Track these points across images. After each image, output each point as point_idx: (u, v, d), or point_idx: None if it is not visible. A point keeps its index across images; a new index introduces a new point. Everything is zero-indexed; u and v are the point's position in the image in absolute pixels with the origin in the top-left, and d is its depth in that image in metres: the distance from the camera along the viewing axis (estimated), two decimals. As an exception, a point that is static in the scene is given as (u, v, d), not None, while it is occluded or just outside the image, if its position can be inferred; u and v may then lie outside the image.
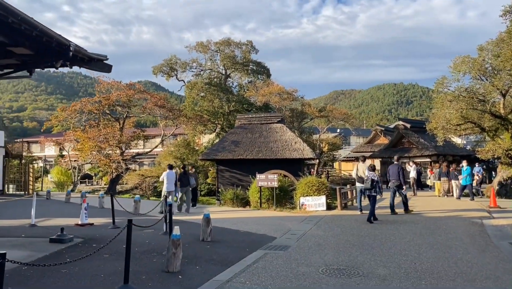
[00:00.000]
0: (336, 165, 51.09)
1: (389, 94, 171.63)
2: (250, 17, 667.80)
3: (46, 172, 46.47)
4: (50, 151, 52.80)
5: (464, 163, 17.36)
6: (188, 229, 9.38)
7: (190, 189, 15.40)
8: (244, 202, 16.03)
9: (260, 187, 15.26)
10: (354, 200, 16.29)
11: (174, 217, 9.48)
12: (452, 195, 18.92)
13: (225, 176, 26.91)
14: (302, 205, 14.02)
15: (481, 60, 23.57)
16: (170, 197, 13.56)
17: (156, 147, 30.85)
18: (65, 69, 9.56)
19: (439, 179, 19.66)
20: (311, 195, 13.94)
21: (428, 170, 24.37)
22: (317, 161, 35.14)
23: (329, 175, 44.38)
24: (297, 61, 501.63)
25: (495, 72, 23.41)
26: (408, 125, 36.14)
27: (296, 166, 26.21)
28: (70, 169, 39.88)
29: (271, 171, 24.14)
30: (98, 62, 8.98)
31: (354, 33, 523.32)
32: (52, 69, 9.16)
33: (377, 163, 45.74)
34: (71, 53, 7.56)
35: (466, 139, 41.40)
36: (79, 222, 10.68)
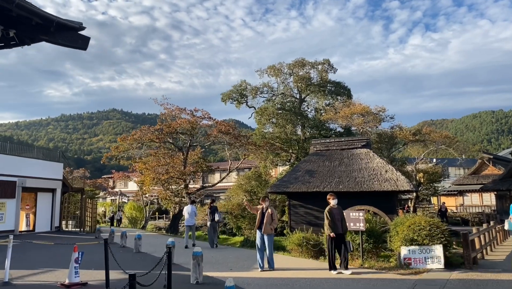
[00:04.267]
0: (434, 200, 43.57)
1: (487, 123, 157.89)
2: (334, 51, 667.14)
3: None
4: (134, 186, 53.08)
5: None
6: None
7: (215, 224, 15.87)
8: (318, 250, 11.58)
9: (339, 229, 10.76)
10: (484, 251, 10.96)
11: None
12: None
13: (299, 212, 22.68)
14: (405, 259, 9.20)
15: None
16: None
17: (222, 179, 27.72)
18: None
19: None
20: (419, 243, 9.10)
21: None
22: (414, 194, 29.08)
23: (428, 211, 37.35)
24: (384, 92, 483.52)
25: None
26: (533, 149, 28.59)
27: (387, 201, 21.11)
28: (146, 205, 38.67)
29: (355, 207, 19.42)
30: (68, 33, 5.74)
31: (445, 60, 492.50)
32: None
33: (487, 197, 37.76)
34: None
35: None
36: (66, 281, 7.27)
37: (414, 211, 28.67)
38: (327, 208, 9.33)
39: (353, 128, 31.51)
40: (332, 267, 8.95)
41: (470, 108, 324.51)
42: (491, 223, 14.99)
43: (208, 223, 15.88)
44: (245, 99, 33.57)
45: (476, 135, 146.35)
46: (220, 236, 27.48)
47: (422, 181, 29.34)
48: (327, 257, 11.11)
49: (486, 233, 11.75)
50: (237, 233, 26.81)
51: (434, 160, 50.25)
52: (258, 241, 9.55)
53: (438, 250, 8.88)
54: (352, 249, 9.23)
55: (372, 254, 10.13)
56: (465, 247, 8.62)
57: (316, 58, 35.85)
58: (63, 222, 23.66)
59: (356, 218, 10.24)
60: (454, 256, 9.21)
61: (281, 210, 26.48)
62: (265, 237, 9.43)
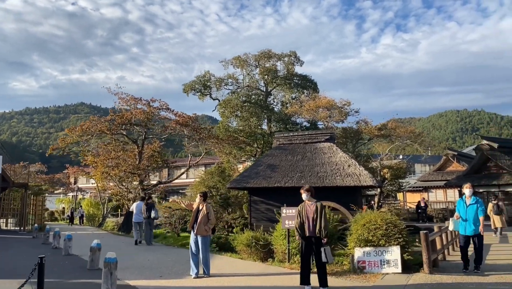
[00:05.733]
0: (400, 196, 43.56)
1: (452, 122, 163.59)
2: (308, 49, 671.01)
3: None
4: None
5: None
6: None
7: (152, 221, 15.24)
8: (267, 251, 10.41)
9: (289, 229, 9.62)
10: (446, 251, 10.09)
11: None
12: None
13: (260, 209, 21.61)
14: (359, 262, 8.14)
15: None
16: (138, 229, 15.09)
17: (181, 175, 26.27)
18: None
19: None
20: (374, 244, 8.07)
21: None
22: (379, 190, 28.53)
23: (394, 208, 37.13)
24: (356, 90, 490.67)
25: None
26: (495, 145, 28.56)
27: (350, 196, 20.24)
28: (108, 201, 36.50)
29: (317, 203, 18.46)
30: None
31: (415, 61, 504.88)
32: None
33: (451, 193, 37.90)
34: None
35: None
36: None
37: (379, 207, 28.16)
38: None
39: (319, 123, 30.67)
40: (302, 280, 6.85)
41: (437, 108, 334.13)
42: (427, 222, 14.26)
43: (144, 220, 15.04)
44: (209, 91, 32.06)
45: (442, 134, 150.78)
46: (181, 234, 26.12)
47: (386, 177, 28.84)
48: (275, 259, 10.01)
49: (448, 231, 10.92)
50: (214, 231, 25.45)
51: (401, 156, 50.50)
52: (191, 244, 8.25)
53: (395, 252, 7.87)
54: (328, 260, 6.68)
55: (324, 256, 9.01)
56: (425, 249, 7.63)
57: (283, 50, 34.54)
58: (3, 220, 21.55)
59: (294, 215, 9.10)
60: (416, 255, 8.22)
61: (240, 206, 25.33)
62: (199, 239, 8.13)
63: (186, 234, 25.51)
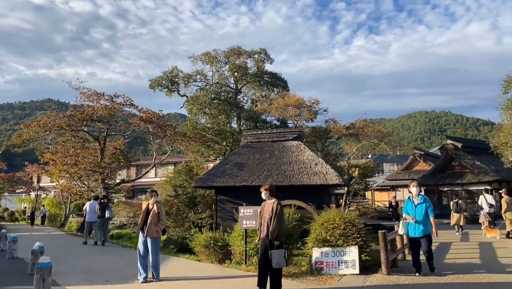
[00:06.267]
0: (368, 194, 44.14)
1: (421, 123, 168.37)
2: (282, 49, 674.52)
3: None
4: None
5: None
6: None
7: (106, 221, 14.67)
8: (226, 252, 9.97)
9: (246, 229, 9.22)
10: (407, 251, 9.96)
11: None
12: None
13: (226, 208, 21.14)
14: (317, 263, 7.84)
15: None
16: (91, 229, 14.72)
17: (145, 173, 25.47)
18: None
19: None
20: (332, 244, 7.79)
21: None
22: (346, 189, 28.64)
23: (361, 206, 37.50)
24: (329, 91, 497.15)
25: None
26: (459, 145, 29.22)
27: (317, 195, 20.09)
28: (72, 200, 34.97)
29: (284, 202, 18.21)
30: None
31: (386, 63, 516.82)
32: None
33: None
34: None
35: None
36: None
37: (347, 205, 28.27)
38: None
39: (289, 122, 30.51)
40: (259, 283, 6.36)
41: (407, 109, 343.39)
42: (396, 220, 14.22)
43: (98, 220, 14.44)
44: (177, 87, 31.28)
45: (411, 134, 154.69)
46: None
47: (355, 175, 28.99)
48: (232, 261, 9.61)
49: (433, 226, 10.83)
50: (164, 231, 24.61)
51: (370, 156, 51.22)
52: (140, 246, 7.71)
53: (353, 252, 7.61)
54: (278, 264, 6.07)
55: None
56: (383, 249, 7.40)
57: (248, 45, 34.18)
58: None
59: (252, 215, 8.78)
60: (376, 255, 7.98)
61: (208, 205, 24.73)
62: (149, 241, 7.61)
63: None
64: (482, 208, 15.17)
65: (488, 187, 26.20)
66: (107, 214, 14.20)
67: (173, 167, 37.52)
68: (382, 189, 41.98)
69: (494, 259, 9.07)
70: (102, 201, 15.09)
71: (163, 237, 21.92)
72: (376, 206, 37.54)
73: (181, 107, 31.64)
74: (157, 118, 23.24)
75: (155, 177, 42.14)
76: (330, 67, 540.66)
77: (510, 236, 13.35)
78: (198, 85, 31.95)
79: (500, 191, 16.04)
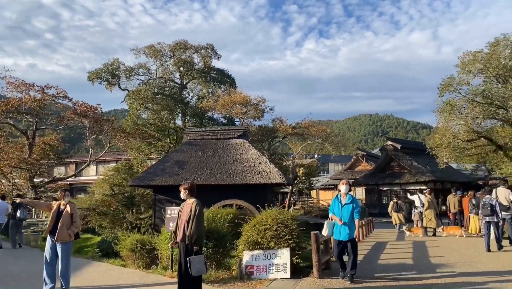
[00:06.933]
0: (313, 193, 44.81)
1: (365, 125, 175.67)
2: (235, 48, 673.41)
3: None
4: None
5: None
6: None
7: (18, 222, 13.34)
8: (154, 257, 9.23)
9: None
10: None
11: None
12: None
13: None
14: (247, 267, 7.36)
15: (497, 57, 18.02)
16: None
17: (79, 171, 23.84)
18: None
19: (477, 213, 13.41)
20: (263, 247, 7.35)
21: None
22: (290, 188, 28.68)
23: (306, 205, 37.91)
24: (281, 92, 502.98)
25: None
26: (399, 146, 30.30)
27: (261, 194, 19.75)
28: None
29: (225, 201, 17.66)
30: None
31: (336, 66, 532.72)
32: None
33: (359, 191, 39.72)
34: None
35: (458, 165, 35.74)
36: None
37: (291, 205, 28.33)
38: None
39: (236, 120, 30.03)
40: None
41: (353, 112, 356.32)
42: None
43: (11, 222, 13.17)
44: (118, 80, 29.66)
45: (356, 136, 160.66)
46: (81, 236, 23.78)
47: (300, 174, 29.13)
48: (158, 266, 8.91)
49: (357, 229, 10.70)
50: (100, 233, 23.34)
51: (316, 156, 52.06)
52: (47, 252, 6.78)
53: (285, 254, 7.21)
54: (195, 272, 5.50)
55: (212, 260, 8.11)
56: (315, 251, 7.07)
57: (199, 42, 33.12)
58: None
59: None
60: (304, 262, 7.64)
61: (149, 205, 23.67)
62: (59, 246, 6.71)
63: (88, 235, 23.35)
64: (416, 207, 15.61)
65: (424, 187, 27.34)
66: (18, 214, 12.86)
67: (114, 164, 35.75)
68: (326, 188, 42.73)
69: (425, 258, 9.12)
70: (14, 200, 13.67)
71: (98, 239, 20.66)
72: (320, 204, 38.05)
73: (121, 101, 30.08)
74: (93, 112, 21.79)
75: (96, 175, 39.98)
76: (282, 68, 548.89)
77: (435, 233, 14.09)
78: (141, 79, 30.56)
79: (424, 191, 16.70)
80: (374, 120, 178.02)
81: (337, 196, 7.21)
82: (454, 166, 33.71)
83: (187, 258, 5.51)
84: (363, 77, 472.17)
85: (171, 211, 8.55)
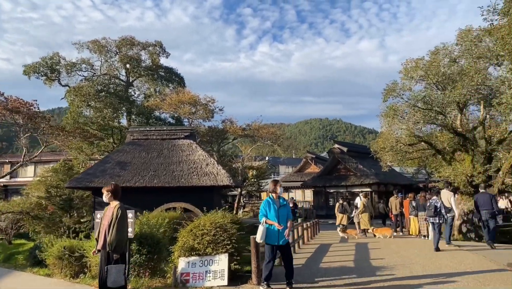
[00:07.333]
0: (263, 195, 44.88)
1: (316, 129, 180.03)
2: (189, 48, 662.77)
3: None
4: None
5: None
6: None
7: None
8: (81, 265, 8.47)
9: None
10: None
11: None
12: (425, 237, 13.10)
13: (106, 212, 18.96)
14: (182, 274, 6.87)
15: (437, 64, 18.85)
16: None
17: (12, 171, 22.01)
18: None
19: (417, 214, 13.78)
20: (200, 253, 6.91)
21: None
22: (239, 190, 28.35)
23: (256, 207, 37.76)
24: (235, 94, 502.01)
25: (451, 81, 18.70)
26: (345, 149, 31.02)
27: (207, 197, 19.25)
28: None
29: (169, 204, 16.98)
30: None
31: (288, 70, 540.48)
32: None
33: (308, 193, 40.29)
34: None
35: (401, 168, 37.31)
36: None
37: (240, 208, 27.99)
38: None
39: (185, 120, 29.26)
40: None
41: (304, 116, 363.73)
42: (299, 220, 14.26)
43: None
44: (58, 75, 27.81)
45: (307, 139, 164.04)
46: (14, 242, 22.07)
47: (250, 176, 28.91)
48: (87, 274, 8.18)
49: (295, 231, 10.53)
50: (35, 238, 21.76)
51: (267, 158, 52.25)
52: None
53: (223, 261, 6.82)
54: (113, 283, 4.98)
55: (146, 268, 7.53)
56: (254, 256, 6.73)
57: (147, 39, 31.89)
58: None
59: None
60: (243, 268, 7.29)
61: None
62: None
63: (22, 240, 21.66)
64: (358, 208, 15.90)
65: (368, 189, 28.12)
66: None
67: (54, 165, 33.57)
68: (276, 190, 42.89)
69: (367, 261, 9.10)
70: None
71: (30, 244, 19.14)
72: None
73: (62, 98, 28.25)
74: (27, 108, 20.22)
75: (34, 176, 37.38)
76: (236, 70, 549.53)
77: (377, 235, 14.39)
78: (83, 75, 28.86)
79: (360, 194, 17.13)
80: (324, 125, 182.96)
81: (269, 197, 6.64)
82: (397, 169, 35.07)
83: (105, 267, 4.97)
84: (314, 82, 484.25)
85: (101, 215, 7.85)
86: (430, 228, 12.74)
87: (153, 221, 8.55)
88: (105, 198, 5.53)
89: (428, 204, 10.59)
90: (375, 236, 14.27)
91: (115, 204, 5.39)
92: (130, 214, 7.48)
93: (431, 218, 10.35)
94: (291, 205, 27.49)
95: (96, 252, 5.46)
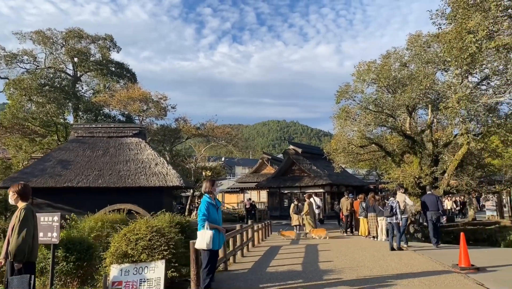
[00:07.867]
0: (218, 196, 44.34)
1: (273, 131, 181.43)
2: (146, 45, 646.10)
3: None
4: None
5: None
6: None
7: None
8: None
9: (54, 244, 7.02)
10: (232, 259, 9.17)
11: None
12: (375, 238, 13.15)
13: (45, 214, 17.65)
14: (114, 283, 6.24)
15: (388, 68, 19.24)
16: None
17: None
18: None
19: (366, 216, 13.78)
20: (135, 260, 6.30)
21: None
22: (192, 191, 27.60)
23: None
24: (193, 93, 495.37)
25: (401, 85, 19.16)
26: (300, 150, 31.12)
27: (156, 198, 18.52)
28: None
29: (114, 206, 16.02)
30: None
31: (248, 72, 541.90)
32: None
33: (264, 193, 40.18)
34: None
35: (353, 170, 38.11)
36: None
37: (192, 210, 27.22)
38: None
39: (136, 119, 28.08)
40: None
41: (262, 117, 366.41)
42: (249, 222, 13.88)
43: None
44: (-5, 66, 25.75)
45: (264, 141, 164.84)
46: None
47: (201, 178, 28.18)
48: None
49: (238, 235, 10.09)
50: None
51: (223, 158, 51.65)
52: None
53: (159, 268, 6.24)
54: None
55: (75, 277, 6.80)
56: (193, 262, 6.22)
57: (97, 32, 30.35)
58: None
59: (49, 225, 6.76)
60: (179, 275, 6.76)
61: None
62: None
63: None
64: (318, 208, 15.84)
65: (321, 190, 28.36)
66: None
67: None
68: (232, 191, 42.44)
69: (315, 264, 8.86)
70: None
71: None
72: (225, 208, 37.59)
73: (0, 91, 26.15)
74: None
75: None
76: (195, 70, 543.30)
77: (312, 236, 14.33)
78: (25, 68, 26.94)
79: (304, 195, 17.17)
80: (281, 127, 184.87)
81: (207, 198, 6.07)
82: (350, 170, 35.74)
83: (6, 279, 4.30)
84: (273, 84, 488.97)
85: (44, 218, 6.99)
86: (380, 229, 12.83)
87: (86, 224, 7.77)
88: (10, 199, 4.82)
89: (386, 205, 10.77)
90: (312, 237, 14.32)
91: (22, 206, 4.69)
92: (56, 217, 6.71)
93: (388, 218, 10.56)
94: (248, 206, 27.35)
95: (3, 262, 4.73)
